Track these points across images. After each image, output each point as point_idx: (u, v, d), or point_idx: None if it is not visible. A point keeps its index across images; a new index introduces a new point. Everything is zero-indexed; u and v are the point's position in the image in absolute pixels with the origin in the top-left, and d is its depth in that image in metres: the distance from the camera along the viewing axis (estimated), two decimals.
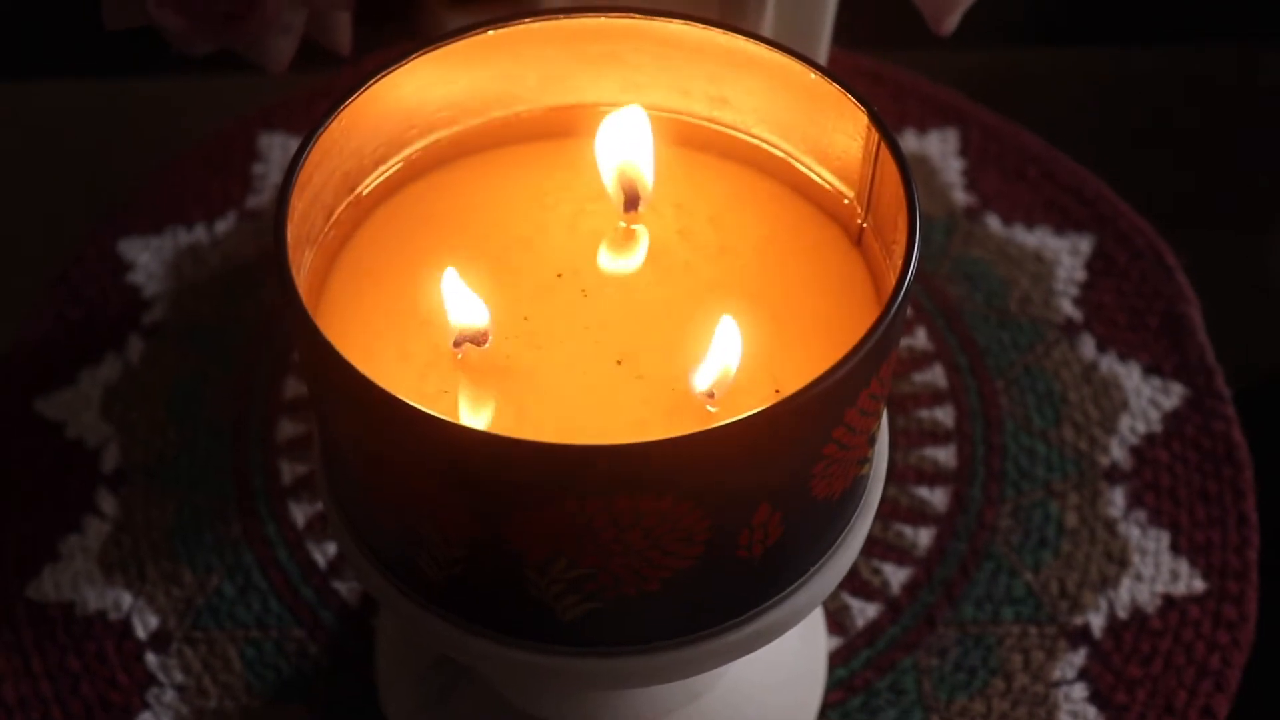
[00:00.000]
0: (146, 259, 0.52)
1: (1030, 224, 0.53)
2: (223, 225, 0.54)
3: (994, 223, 0.54)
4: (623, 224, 0.34)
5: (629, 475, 0.26)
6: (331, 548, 0.45)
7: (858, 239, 0.34)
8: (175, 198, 0.54)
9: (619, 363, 0.31)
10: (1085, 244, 0.53)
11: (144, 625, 0.43)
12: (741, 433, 0.26)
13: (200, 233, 0.53)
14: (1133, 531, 0.45)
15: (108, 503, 0.46)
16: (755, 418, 0.26)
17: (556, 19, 0.34)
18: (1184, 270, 0.52)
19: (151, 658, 0.42)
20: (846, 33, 0.48)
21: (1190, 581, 0.44)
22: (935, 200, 0.54)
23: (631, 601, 0.29)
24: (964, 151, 0.56)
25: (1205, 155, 0.63)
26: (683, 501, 0.27)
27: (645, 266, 0.33)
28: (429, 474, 0.28)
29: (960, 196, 0.55)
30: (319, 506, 0.46)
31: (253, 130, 0.56)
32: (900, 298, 0.28)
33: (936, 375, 0.49)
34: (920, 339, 0.50)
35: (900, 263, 0.29)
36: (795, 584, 0.31)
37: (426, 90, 0.34)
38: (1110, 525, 0.45)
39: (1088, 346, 0.50)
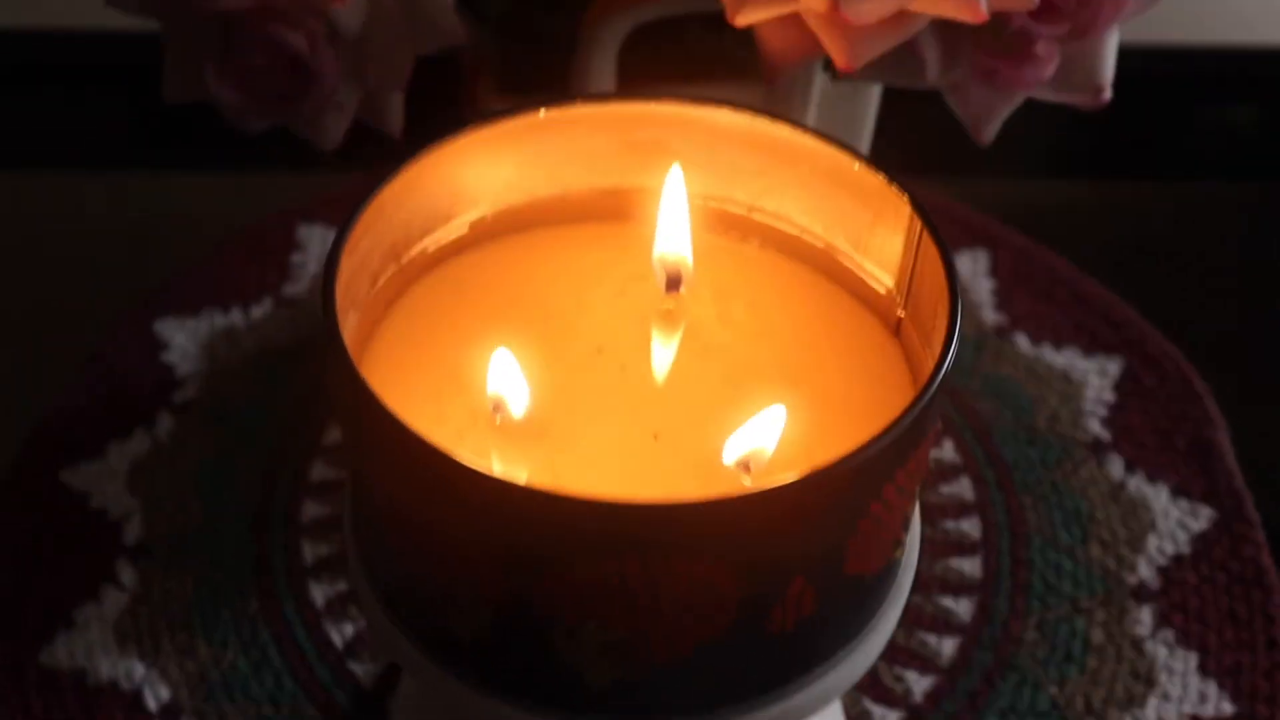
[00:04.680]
0: (181, 339, 0.53)
1: (1059, 344, 0.54)
2: (259, 311, 0.54)
3: (1023, 342, 0.54)
4: (663, 305, 0.34)
5: (666, 535, 0.26)
6: (350, 629, 0.45)
7: (896, 330, 0.34)
8: (213, 283, 0.55)
9: (656, 437, 0.31)
10: (1113, 366, 0.53)
11: (155, 697, 0.42)
12: (781, 497, 0.26)
13: (236, 316, 0.54)
14: (1160, 651, 0.44)
15: (127, 574, 0.46)
16: (795, 483, 0.26)
17: (606, 104, 0.35)
18: (1212, 396, 0.52)
19: None
20: (880, 159, 0.49)
21: (1219, 704, 0.43)
22: (965, 318, 0.55)
23: (661, 671, 0.29)
24: (994, 272, 0.57)
25: (1234, 285, 0.63)
26: (717, 566, 0.27)
27: (684, 347, 0.34)
28: (463, 528, 0.28)
29: (990, 315, 0.55)
30: (339, 587, 0.46)
31: (293, 222, 0.57)
32: (942, 370, 0.28)
33: (964, 488, 0.49)
34: (948, 452, 0.50)
35: (942, 342, 0.29)
36: (824, 665, 0.31)
37: (475, 167, 0.35)
38: (1137, 644, 0.45)
39: (1116, 466, 0.50)
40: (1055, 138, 0.73)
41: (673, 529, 0.26)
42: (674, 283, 0.34)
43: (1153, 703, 0.43)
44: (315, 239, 0.57)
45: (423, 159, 0.33)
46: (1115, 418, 0.51)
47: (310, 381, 0.52)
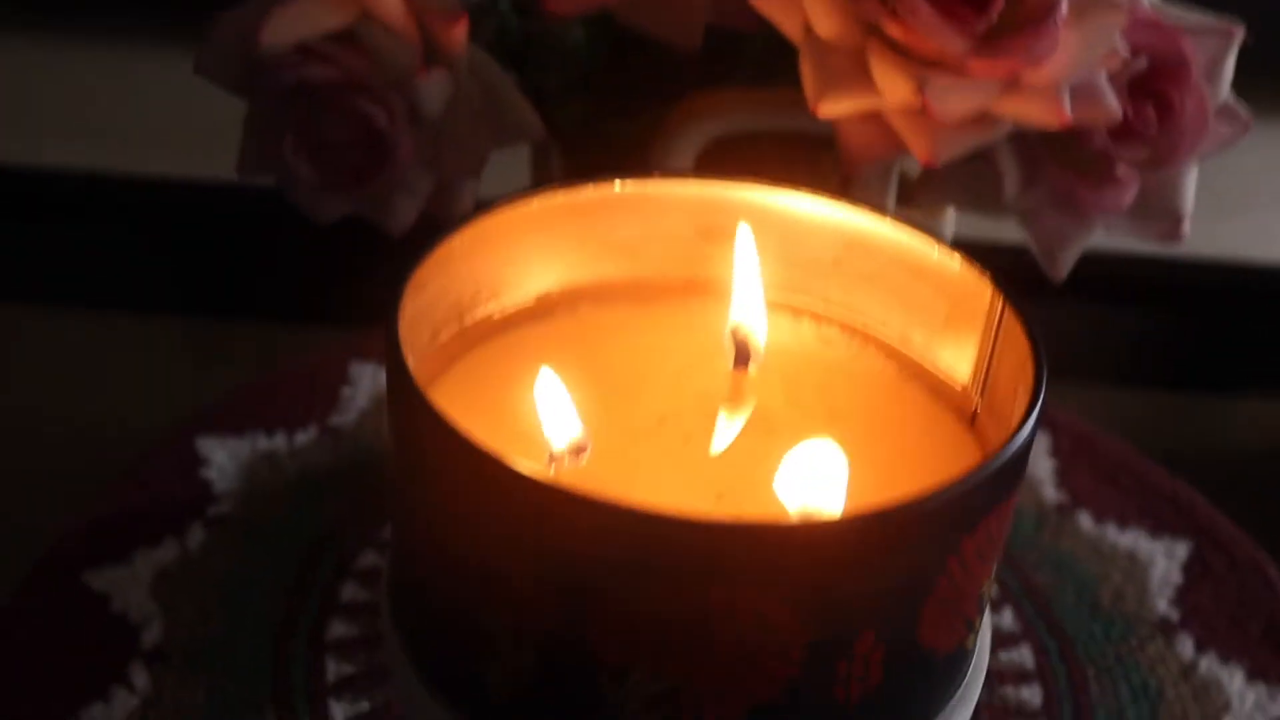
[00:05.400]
0: (222, 458, 0.52)
1: (1123, 525, 0.52)
2: (303, 437, 0.53)
3: (1085, 521, 0.52)
4: (732, 382, 0.33)
5: (733, 558, 0.24)
6: None
7: (971, 422, 0.33)
8: (260, 407, 0.54)
9: (719, 497, 0.30)
10: (1181, 549, 0.51)
11: None
12: (856, 530, 0.25)
13: (280, 441, 0.53)
14: None
15: (140, 678, 0.43)
16: (873, 515, 0.25)
17: (684, 182, 0.34)
18: None
19: None
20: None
21: None
22: (1025, 495, 0.53)
23: None
24: (1055, 453, 0.55)
25: None
26: (783, 605, 0.25)
27: (750, 426, 0.32)
28: (517, 551, 0.26)
29: (1051, 493, 0.53)
30: (360, 707, 0.43)
31: (346, 358, 0.57)
32: (1032, 417, 0.26)
33: (1024, 655, 0.47)
34: (1007, 620, 0.48)
35: (1029, 395, 0.27)
36: None
37: (546, 233, 0.34)
38: None
39: (1185, 646, 0.47)
40: (1118, 348, 0.72)
41: (741, 551, 0.24)
42: (743, 358, 0.33)
43: None
44: (367, 376, 0.56)
45: (496, 212, 0.32)
46: (1184, 598, 0.49)
47: (348, 507, 0.50)
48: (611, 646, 0.26)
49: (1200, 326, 0.73)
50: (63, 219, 0.74)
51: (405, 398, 0.27)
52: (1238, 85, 0.40)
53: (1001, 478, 0.26)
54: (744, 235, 0.33)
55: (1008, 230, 0.41)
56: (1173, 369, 0.72)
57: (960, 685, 0.30)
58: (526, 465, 0.25)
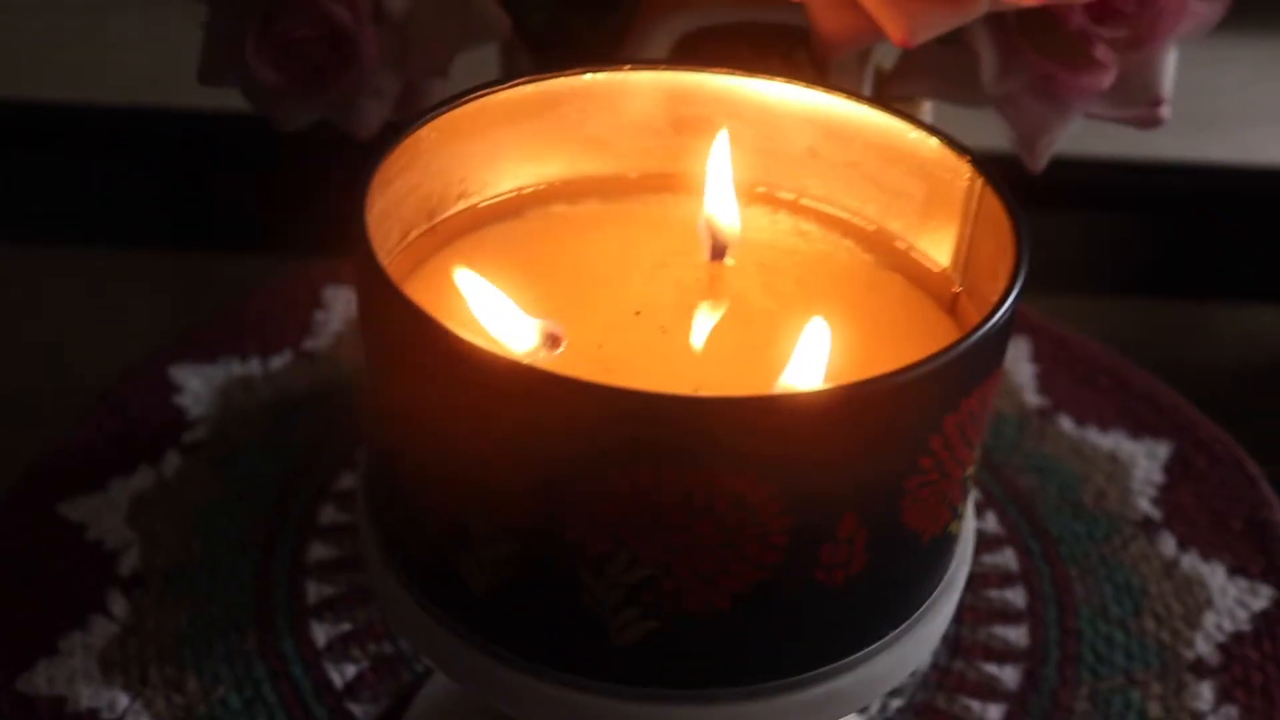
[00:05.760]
0: (197, 384, 0.51)
1: (1104, 427, 0.52)
2: (277, 361, 0.53)
3: (1067, 423, 0.52)
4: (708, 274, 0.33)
5: (709, 434, 0.24)
6: (351, 669, 0.42)
7: (951, 307, 0.32)
8: (234, 333, 0.53)
9: (697, 388, 0.29)
10: (1162, 449, 0.51)
11: None
12: (837, 404, 0.24)
13: (254, 365, 0.52)
14: None
15: (118, 605, 0.43)
16: (854, 388, 0.24)
17: (655, 72, 0.34)
18: (1266, 479, 0.49)
19: None
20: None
21: None
22: (1006, 400, 0.53)
23: (694, 623, 0.26)
24: (1036, 359, 0.55)
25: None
26: (763, 485, 0.25)
27: (728, 312, 0.32)
28: (490, 437, 0.25)
29: (1032, 398, 0.53)
30: (343, 627, 0.43)
31: (319, 282, 0.56)
32: (1014, 293, 0.26)
33: (1007, 558, 0.46)
34: (990, 523, 0.48)
35: (1010, 270, 0.27)
36: (871, 649, 0.28)
37: (517, 127, 0.33)
38: (1199, 719, 0.41)
39: (1168, 544, 0.47)
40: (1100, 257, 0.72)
41: (719, 428, 0.24)
42: (719, 250, 0.32)
43: None
44: (340, 300, 0.56)
45: (463, 105, 0.32)
46: (1165, 497, 0.49)
47: (325, 430, 0.50)
48: (590, 535, 0.25)
49: (1180, 233, 0.72)
50: (41, 152, 0.73)
51: (375, 289, 0.26)
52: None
53: (983, 352, 0.26)
54: (720, 143, 0.32)
55: (985, 137, 0.41)
56: (1153, 277, 0.72)
57: (946, 573, 0.29)
58: (501, 349, 0.24)
